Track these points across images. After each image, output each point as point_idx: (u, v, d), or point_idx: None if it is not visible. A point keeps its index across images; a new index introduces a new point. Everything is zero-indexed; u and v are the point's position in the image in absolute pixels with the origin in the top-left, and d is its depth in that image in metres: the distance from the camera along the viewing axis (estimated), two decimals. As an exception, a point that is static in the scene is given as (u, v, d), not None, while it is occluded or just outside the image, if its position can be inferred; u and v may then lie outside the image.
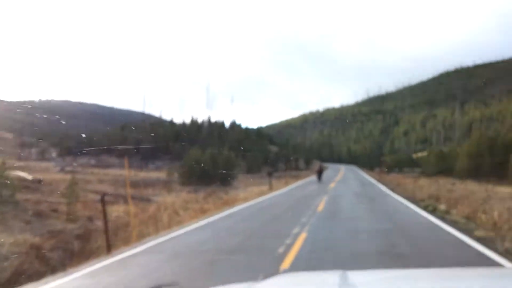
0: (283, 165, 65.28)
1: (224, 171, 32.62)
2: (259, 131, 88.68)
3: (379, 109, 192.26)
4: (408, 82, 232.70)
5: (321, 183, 28.89)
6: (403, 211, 12.59)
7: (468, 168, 36.62)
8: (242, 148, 61.95)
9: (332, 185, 26.79)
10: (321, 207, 12.98)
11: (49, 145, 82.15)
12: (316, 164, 35.07)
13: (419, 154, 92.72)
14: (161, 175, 42.16)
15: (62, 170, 37.85)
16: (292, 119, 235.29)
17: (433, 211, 11.87)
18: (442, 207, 11.92)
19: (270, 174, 24.43)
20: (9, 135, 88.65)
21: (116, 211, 15.33)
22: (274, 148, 77.33)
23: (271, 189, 22.06)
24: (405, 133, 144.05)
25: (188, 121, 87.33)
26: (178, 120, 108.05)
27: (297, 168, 66.48)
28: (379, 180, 32.35)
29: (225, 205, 15.02)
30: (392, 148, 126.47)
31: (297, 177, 40.62)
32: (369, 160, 74.37)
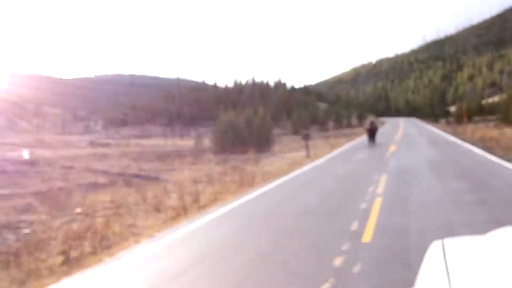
0: (333, 123, 59.55)
1: (261, 135, 28.04)
2: (306, 89, 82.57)
3: (439, 54, 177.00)
4: (469, 22, 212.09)
5: (376, 146, 21.11)
6: None
7: None
8: (286, 107, 57.07)
9: (393, 148, 18.74)
10: (373, 219, 5.89)
11: (98, 118, 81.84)
12: (368, 120, 26.48)
13: (490, 100, 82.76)
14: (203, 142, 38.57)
15: (91, 143, 35.10)
16: (344, 74, 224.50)
17: None
18: None
19: (306, 137, 18.77)
20: (57, 111, 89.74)
21: (97, 201, 11.35)
22: (323, 105, 71.32)
23: (308, 157, 17.03)
24: (470, 78, 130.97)
25: (231, 84, 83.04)
26: (221, 84, 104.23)
27: (349, 126, 60.57)
28: (454, 134, 25.18)
29: (239, 187, 10.50)
30: (456, 95, 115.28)
31: (348, 136, 35.17)
32: (432, 110, 66.40)
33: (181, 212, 8.02)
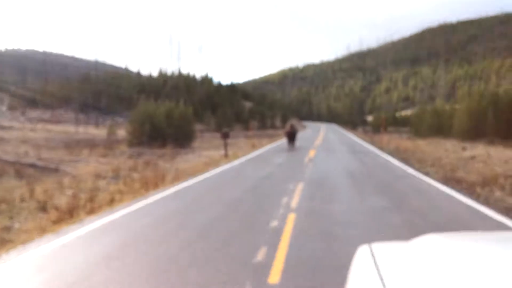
0: (257, 122, 59.51)
1: (181, 130, 26.71)
2: (232, 86, 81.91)
3: (361, 65, 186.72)
4: (391, 38, 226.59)
5: (295, 150, 20.39)
6: None
7: (468, 128, 31.84)
8: (211, 103, 55.97)
9: (312, 153, 18.14)
10: (284, 246, 4.82)
11: (3, 97, 74.01)
12: (289, 123, 25.31)
13: (403, 113, 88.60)
14: (118, 132, 36.01)
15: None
16: (271, 75, 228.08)
17: None
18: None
19: (225, 136, 17.72)
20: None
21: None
22: (248, 104, 71.13)
23: (226, 156, 16.14)
24: (387, 91, 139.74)
25: (156, 73, 79.87)
26: (145, 72, 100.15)
27: (273, 126, 61.01)
28: (372, 143, 25.83)
29: (143, 187, 9.33)
30: (373, 106, 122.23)
31: (271, 137, 35.08)
32: (351, 118, 69.36)
33: (66, 216, 6.73)
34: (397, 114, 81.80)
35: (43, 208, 7.80)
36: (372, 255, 1.29)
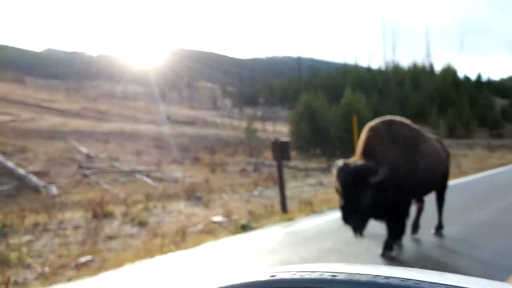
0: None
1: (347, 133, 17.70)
2: (479, 81, 63.84)
3: None
4: None
5: None
6: None
7: None
8: (444, 100, 43.00)
9: None
10: None
11: (240, 96, 78.56)
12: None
13: None
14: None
15: (168, 119, 29.42)
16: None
17: None
18: None
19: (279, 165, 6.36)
20: (211, 85, 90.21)
21: None
22: (503, 103, 53.16)
23: (285, 216, 6.05)
24: None
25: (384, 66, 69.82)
26: (374, 66, 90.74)
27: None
28: None
29: None
30: None
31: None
32: None
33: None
34: None
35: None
36: None
